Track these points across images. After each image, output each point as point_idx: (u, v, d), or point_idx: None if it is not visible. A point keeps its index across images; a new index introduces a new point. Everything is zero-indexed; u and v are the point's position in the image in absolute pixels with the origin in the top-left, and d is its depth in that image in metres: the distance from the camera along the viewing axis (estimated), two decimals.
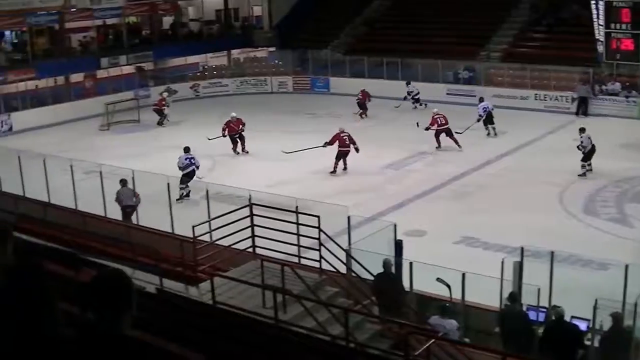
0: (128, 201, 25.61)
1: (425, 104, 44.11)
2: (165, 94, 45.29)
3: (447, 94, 46.82)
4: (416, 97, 45.57)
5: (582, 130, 31.09)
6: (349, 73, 52.07)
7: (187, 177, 29.45)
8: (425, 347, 11.58)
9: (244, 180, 28.11)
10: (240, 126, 36.79)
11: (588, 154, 30.53)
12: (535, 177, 30.50)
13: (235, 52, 59.73)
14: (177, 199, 27.93)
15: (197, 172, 29.68)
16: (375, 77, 49.41)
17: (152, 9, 54.02)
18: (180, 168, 29.53)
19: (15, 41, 49.67)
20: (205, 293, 15.19)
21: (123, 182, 25.69)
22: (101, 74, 50.06)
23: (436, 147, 35.72)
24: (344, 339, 13.16)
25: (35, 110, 44.55)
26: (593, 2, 42.61)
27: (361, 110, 44.07)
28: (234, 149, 36.82)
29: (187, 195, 29.25)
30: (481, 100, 38.61)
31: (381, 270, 16.93)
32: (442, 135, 35.50)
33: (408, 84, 45.55)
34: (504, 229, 24.11)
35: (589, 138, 30.62)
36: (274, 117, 44.52)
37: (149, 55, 52.99)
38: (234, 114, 37.00)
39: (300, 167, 32.78)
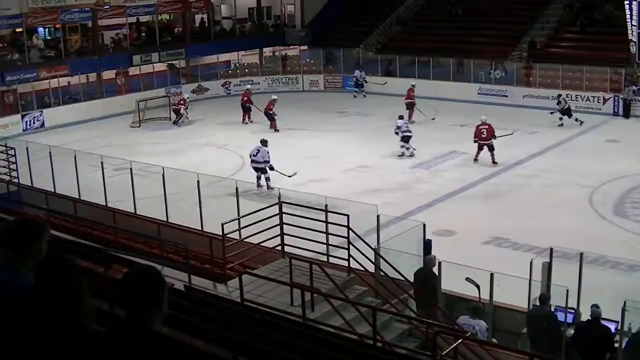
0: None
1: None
2: (186, 96, 45.39)
3: (479, 93, 46.72)
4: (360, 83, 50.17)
5: None
6: (380, 72, 52.02)
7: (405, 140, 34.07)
8: (452, 347, 11.56)
9: (275, 178, 28.28)
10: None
11: None
12: (566, 177, 30.32)
13: (267, 51, 59.86)
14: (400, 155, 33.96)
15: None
16: (407, 76, 49.29)
17: (185, 6, 54.14)
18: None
19: (49, 38, 49.98)
20: (234, 290, 15.19)
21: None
22: (133, 71, 50.32)
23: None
24: (371, 338, 13.15)
25: (67, 107, 44.84)
26: (627, 2, 42.32)
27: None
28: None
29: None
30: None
31: (415, 268, 16.95)
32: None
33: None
34: (534, 229, 24.03)
35: None
36: (304, 116, 44.58)
37: (181, 53, 53.22)
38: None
39: (330, 166, 32.84)
